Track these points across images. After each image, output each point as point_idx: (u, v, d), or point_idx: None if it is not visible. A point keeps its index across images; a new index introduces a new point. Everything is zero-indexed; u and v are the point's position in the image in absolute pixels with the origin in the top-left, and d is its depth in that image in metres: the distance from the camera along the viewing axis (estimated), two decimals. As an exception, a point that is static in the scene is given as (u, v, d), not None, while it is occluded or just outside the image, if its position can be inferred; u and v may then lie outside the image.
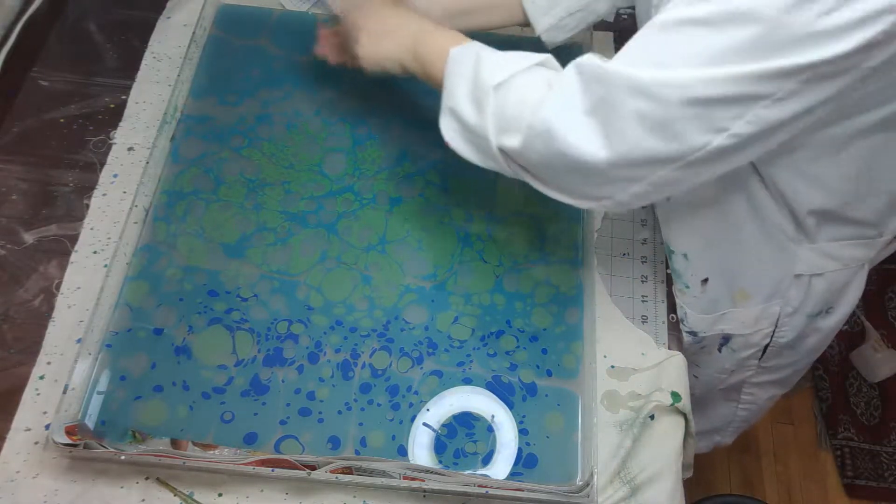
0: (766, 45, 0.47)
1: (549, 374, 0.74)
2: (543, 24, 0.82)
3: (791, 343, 0.82)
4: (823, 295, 0.75)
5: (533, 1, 0.81)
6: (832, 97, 0.50)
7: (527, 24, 0.83)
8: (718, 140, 0.52)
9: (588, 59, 0.55)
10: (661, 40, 0.52)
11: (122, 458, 0.65)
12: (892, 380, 1.55)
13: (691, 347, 0.84)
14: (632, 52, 0.54)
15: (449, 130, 0.66)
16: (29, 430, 0.68)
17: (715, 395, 0.97)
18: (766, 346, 0.83)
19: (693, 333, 0.81)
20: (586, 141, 0.55)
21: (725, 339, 0.83)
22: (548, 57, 0.62)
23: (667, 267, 0.81)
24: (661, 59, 0.51)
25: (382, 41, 0.72)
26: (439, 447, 0.70)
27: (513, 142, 0.60)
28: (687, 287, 0.78)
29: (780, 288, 0.75)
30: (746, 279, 0.76)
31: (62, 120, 0.87)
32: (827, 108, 0.51)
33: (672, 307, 0.80)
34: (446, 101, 0.65)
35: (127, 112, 0.87)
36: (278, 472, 0.65)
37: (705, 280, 0.77)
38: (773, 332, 0.80)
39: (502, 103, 0.60)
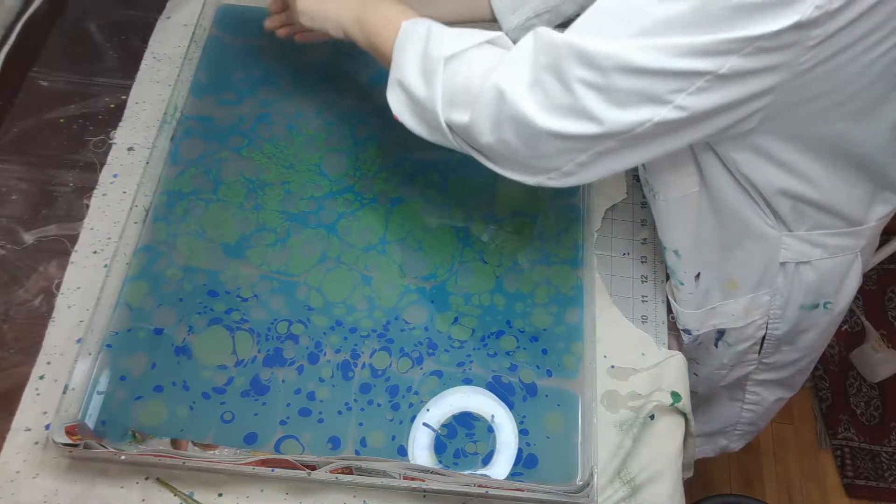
0: (704, 17, 0.49)
1: (550, 374, 0.74)
2: (510, 24, 0.83)
3: (788, 337, 0.82)
4: (815, 285, 0.75)
5: None
6: (777, 79, 0.51)
7: (492, 20, 0.83)
8: (662, 113, 0.53)
9: (544, 29, 0.57)
10: (609, 11, 0.53)
11: (122, 458, 0.65)
12: (892, 380, 1.55)
13: (689, 345, 0.84)
14: (584, 22, 0.55)
15: (396, 103, 0.67)
16: (29, 430, 0.68)
17: (718, 393, 0.97)
18: (763, 339, 0.83)
19: (687, 331, 0.81)
20: (535, 106, 0.56)
21: (720, 333, 0.83)
22: (500, 35, 0.63)
23: (666, 268, 0.81)
24: (608, 28, 0.52)
25: (327, 5, 0.72)
26: (439, 447, 0.70)
27: (461, 117, 0.61)
28: (682, 284, 0.78)
29: (767, 276, 0.75)
30: (734, 269, 0.76)
31: (62, 120, 0.87)
32: (774, 89, 0.52)
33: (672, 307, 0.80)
34: (394, 72, 0.65)
35: (127, 112, 0.87)
36: (278, 472, 0.65)
37: (698, 275, 0.77)
38: (767, 323, 0.80)
39: (452, 77, 0.61)
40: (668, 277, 0.81)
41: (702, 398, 0.98)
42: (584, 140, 0.57)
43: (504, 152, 0.61)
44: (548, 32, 0.56)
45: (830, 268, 0.74)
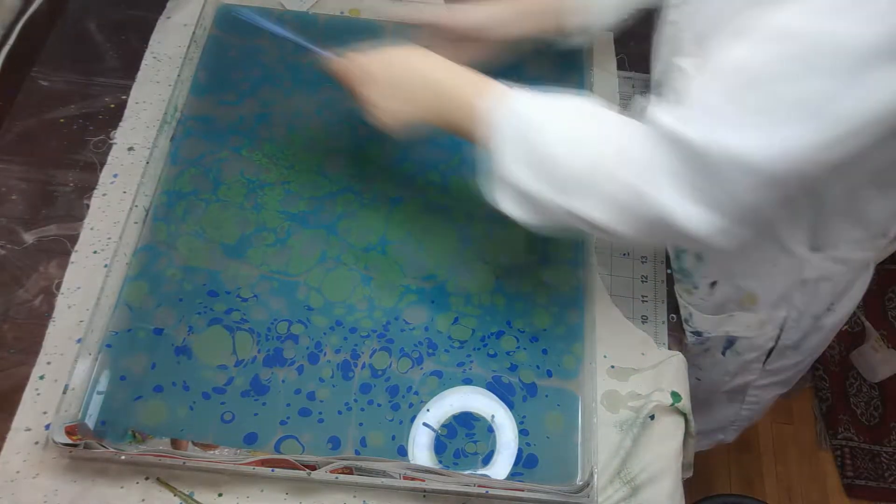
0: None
1: (550, 374, 0.74)
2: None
3: (795, 344, 0.82)
4: (828, 296, 0.75)
5: None
6: None
7: (558, 34, 0.79)
8: None
9: (667, 121, 0.50)
10: (755, 86, 0.46)
11: (122, 458, 0.65)
12: (892, 380, 1.55)
13: (694, 349, 0.84)
14: (720, 104, 0.48)
15: (504, 199, 0.61)
16: (29, 430, 0.68)
17: (719, 396, 0.97)
18: (771, 350, 0.82)
19: (698, 333, 0.81)
20: (685, 215, 0.51)
21: (730, 341, 0.83)
22: (588, 98, 0.58)
23: (667, 267, 0.81)
24: (764, 116, 0.46)
25: (398, 106, 0.66)
26: (439, 447, 0.70)
27: (587, 205, 0.55)
28: (695, 288, 0.78)
29: (788, 293, 0.75)
30: (755, 284, 0.75)
31: (62, 120, 0.87)
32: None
33: (672, 307, 0.80)
34: (496, 169, 0.60)
35: (127, 112, 0.87)
36: (278, 472, 0.65)
37: (714, 283, 0.77)
38: (779, 335, 0.80)
39: (566, 164, 0.55)
40: (669, 278, 0.81)
41: (701, 401, 0.98)
42: (744, 228, 0.52)
43: (641, 238, 0.57)
44: (677, 130, 0.49)
45: (847, 278, 0.74)
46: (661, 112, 0.51)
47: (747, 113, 0.47)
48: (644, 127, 0.53)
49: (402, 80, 0.65)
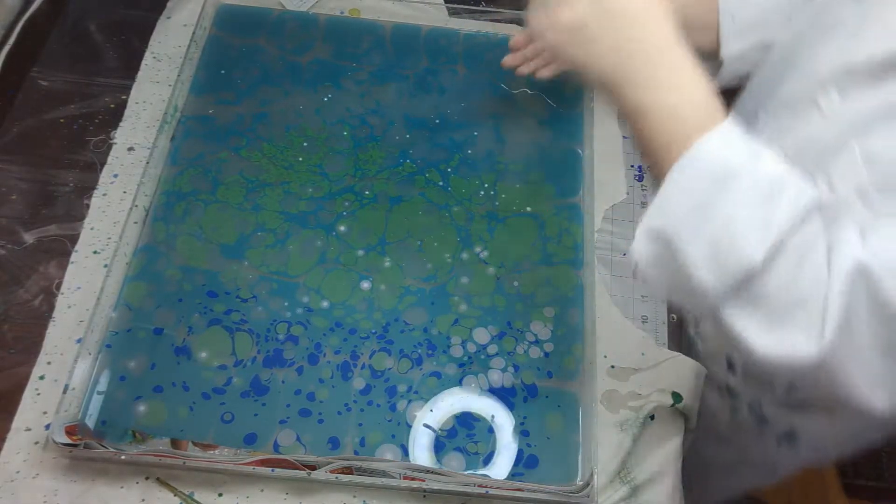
0: None
1: (550, 375, 0.74)
2: (731, 49, 0.66)
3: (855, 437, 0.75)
4: None
5: (732, 17, 0.64)
6: None
7: (710, 55, 0.68)
8: None
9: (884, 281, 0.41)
10: None
11: (122, 458, 0.65)
12: (892, 380, 1.54)
13: (744, 434, 0.78)
14: None
15: (647, 255, 0.48)
16: (29, 430, 0.68)
17: (749, 467, 0.89)
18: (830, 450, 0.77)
19: (763, 420, 0.74)
20: (871, 391, 0.43)
21: (789, 436, 0.75)
22: (817, 196, 0.45)
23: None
24: None
25: (587, 41, 0.50)
26: (439, 447, 0.70)
27: (751, 328, 0.45)
28: (771, 383, 0.72)
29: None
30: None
31: (62, 120, 0.87)
32: None
33: (672, 308, 0.80)
34: (660, 222, 0.46)
35: (127, 112, 0.87)
36: (278, 472, 0.65)
37: (794, 385, 0.70)
38: (847, 440, 0.74)
39: (763, 285, 0.44)
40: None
41: (724, 465, 0.91)
42: None
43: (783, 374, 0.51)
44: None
45: None
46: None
47: None
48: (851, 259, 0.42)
49: (613, 19, 0.49)
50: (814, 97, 0.55)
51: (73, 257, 0.77)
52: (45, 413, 0.69)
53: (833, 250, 0.43)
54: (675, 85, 0.47)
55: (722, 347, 0.77)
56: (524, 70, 0.79)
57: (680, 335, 0.81)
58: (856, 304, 0.42)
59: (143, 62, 0.91)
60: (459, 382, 0.73)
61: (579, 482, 0.68)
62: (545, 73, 0.78)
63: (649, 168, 0.45)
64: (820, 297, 0.42)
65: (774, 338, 0.44)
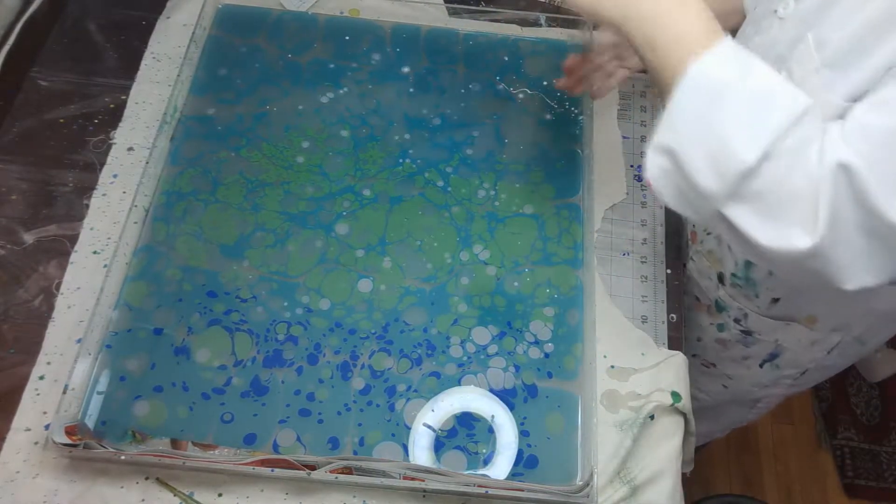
0: None
1: (550, 375, 0.74)
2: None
3: (834, 364, 0.80)
4: (891, 326, 0.73)
5: None
6: None
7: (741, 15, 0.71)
8: None
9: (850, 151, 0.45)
10: None
11: (122, 458, 0.65)
12: (892, 380, 1.55)
13: (729, 354, 0.81)
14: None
15: (656, 169, 0.53)
16: (29, 430, 0.68)
17: (736, 403, 0.95)
18: (810, 368, 0.80)
19: (748, 333, 0.78)
20: (863, 270, 0.48)
21: (772, 355, 0.80)
22: (812, 104, 0.48)
23: (666, 268, 0.80)
24: None
25: None
26: (439, 447, 0.70)
27: (752, 224, 0.49)
28: (756, 297, 0.75)
29: (850, 321, 0.72)
30: (820, 308, 0.72)
31: (62, 120, 0.87)
32: None
33: (672, 307, 0.80)
34: (665, 137, 0.51)
35: (127, 112, 0.87)
36: (278, 472, 0.65)
37: (777, 299, 0.74)
38: (825, 356, 0.77)
39: (758, 185, 0.48)
40: (668, 278, 0.80)
41: (713, 405, 0.97)
42: None
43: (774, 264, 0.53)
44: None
45: None
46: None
47: None
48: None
49: None
50: (773, 8, 0.60)
51: (73, 257, 0.77)
52: (44, 413, 0.69)
53: (822, 150, 0.47)
54: (676, 19, 0.53)
55: (715, 264, 0.79)
56: (577, 91, 0.82)
57: (680, 329, 0.81)
58: (842, 198, 0.46)
59: (143, 62, 0.91)
60: (459, 382, 0.73)
61: (579, 482, 0.68)
62: (601, 93, 0.82)
63: (664, 100, 0.53)
64: (812, 193, 0.47)
65: (774, 232, 0.49)
